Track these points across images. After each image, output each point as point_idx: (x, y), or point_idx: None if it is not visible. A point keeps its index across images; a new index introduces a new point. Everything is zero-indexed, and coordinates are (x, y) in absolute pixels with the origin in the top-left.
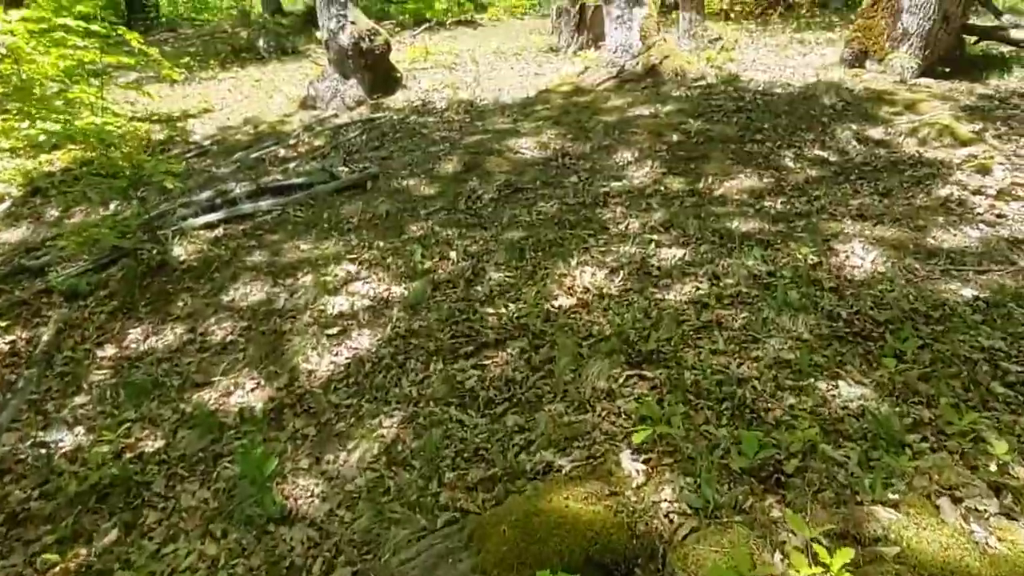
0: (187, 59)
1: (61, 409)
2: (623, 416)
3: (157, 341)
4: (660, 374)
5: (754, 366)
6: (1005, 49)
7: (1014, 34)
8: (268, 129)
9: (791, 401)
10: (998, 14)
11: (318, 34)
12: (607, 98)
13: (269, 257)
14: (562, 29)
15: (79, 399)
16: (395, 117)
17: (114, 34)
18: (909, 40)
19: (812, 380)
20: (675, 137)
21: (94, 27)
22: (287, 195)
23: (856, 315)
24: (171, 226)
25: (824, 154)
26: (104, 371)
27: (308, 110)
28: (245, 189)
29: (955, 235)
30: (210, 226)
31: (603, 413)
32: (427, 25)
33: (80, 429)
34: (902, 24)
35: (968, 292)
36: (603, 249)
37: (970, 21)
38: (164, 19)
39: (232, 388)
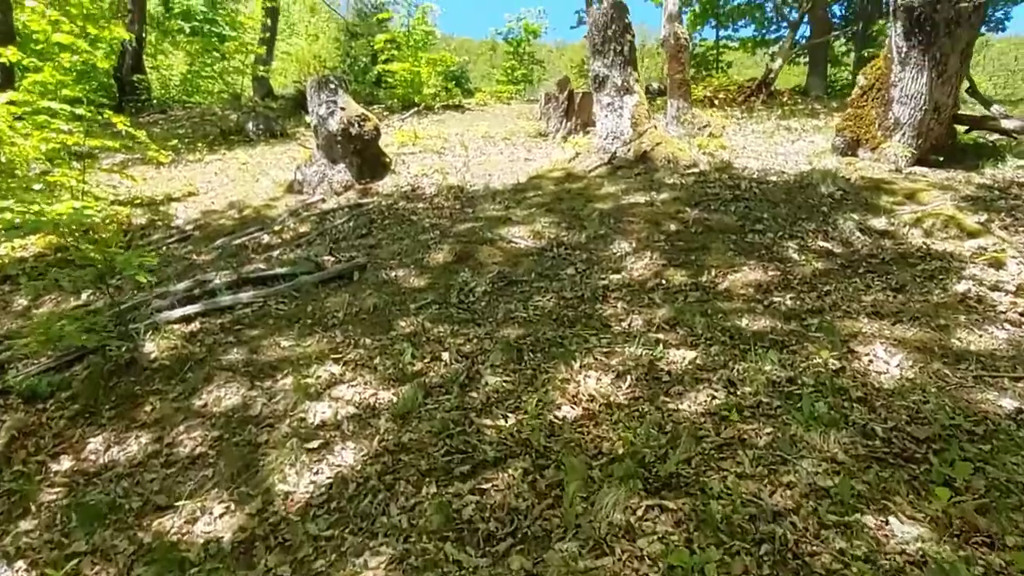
0: (175, 141)
1: (3, 536)
2: (647, 561)
3: (119, 452)
4: (684, 504)
5: (788, 495)
6: (996, 138)
7: (1005, 124)
8: (253, 214)
9: (840, 544)
10: (987, 104)
11: (307, 118)
12: (600, 185)
13: (247, 355)
14: (550, 115)
15: (25, 524)
16: (383, 203)
17: (100, 118)
18: (901, 130)
19: (858, 515)
20: (673, 226)
21: (80, 111)
22: (269, 286)
23: (893, 432)
24: (144, 319)
25: (828, 245)
26: (57, 489)
27: (295, 194)
28: (225, 279)
29: (980, 336)
30: (186, 319)
31: (624, 556)
32: (416, 109)
33: (21, 564)
34: (893, 114)
35: (1008, 403)
36: (607, 350)
37: (960, 111)
38: (156, 101)
39: (198, 513)
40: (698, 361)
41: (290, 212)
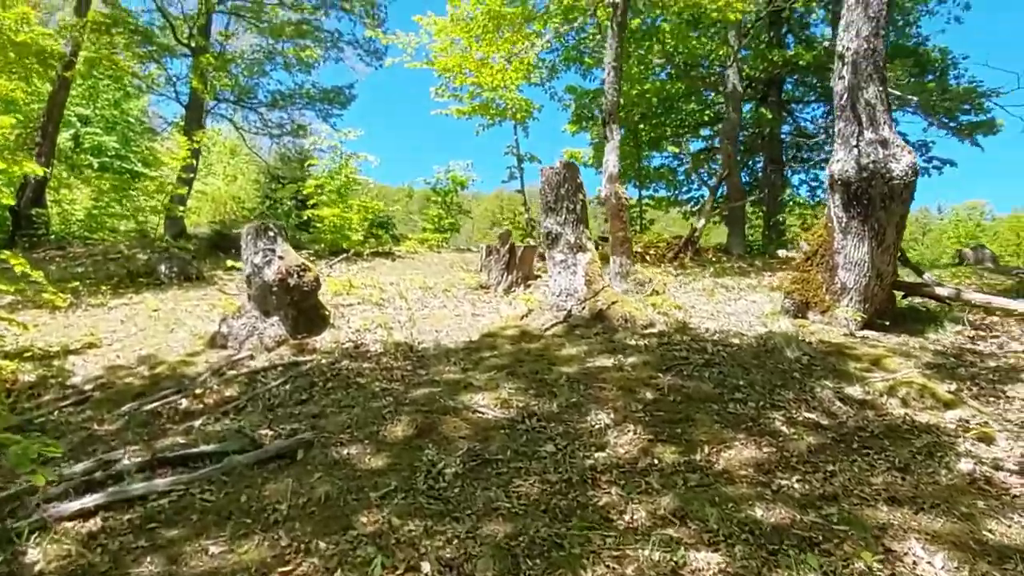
0: (75, 283)
1: None
2: None
3: None
4: None
5: None
6: (931, 304)
7: (939, 291)
8: (168, 371)
9: None
10: (920, 272)
11: (235, 262)
12: (560, 345)
13: (165, 567)
14: (491, 267)
15: None
16: (324, 362)
17: None
18: (848, 295)
19: None
20: (649, 394)
21: None
22: (192, 468)
23: None
24: (28, 516)
25: (813, 416)
26: None
27: (218, 349)
28: (136, 459)
29: (1009, 526)
30: (85, 515)
31: None
32: (344, 256)
33: None
34: (840, 279)
35: None
36: (617, 553)
37: (897, 278)
38: (53, 236)
39: None
40: (727, 568)
41: (213, 370)
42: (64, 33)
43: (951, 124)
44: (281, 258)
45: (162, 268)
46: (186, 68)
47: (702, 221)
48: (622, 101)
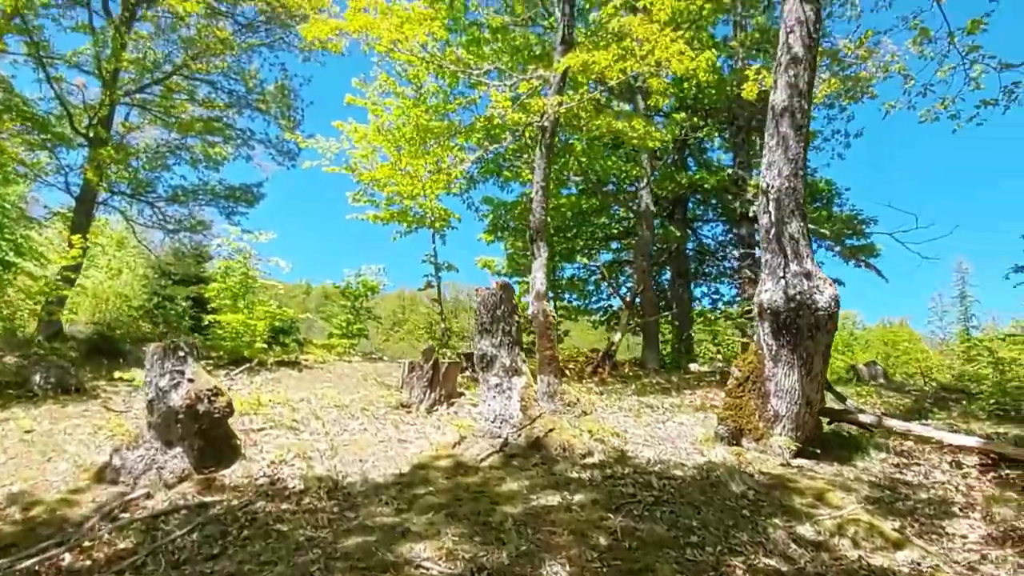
0: None
1: None
2: None
3: None
4: None
5: None
6: (853, 430)
7: (862, 418)
8: (46, 515)
9: None
10: (843, 399)
11: (127, 374)
12: (500, 479)
13: None
14: (413, 384)
15: None
16: (237, 503)
17: None
18: (781, 422)
19: None
20: (603, 540)
21: None
22: None
23: None
24: None
25: (772, 562)
26: None
27: (107, 485)
28: None
29: None
30: None
31: None
32: (247, 366)
33: None
34: (772, 407)
35: None
36: None
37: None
38: None
39: None
40: None
41: (103, 514)
42: None
43: (836, 247)
44: (191, 381)
45: (36, 378)
46: (81, 158)
47: (619, 335)
48: None
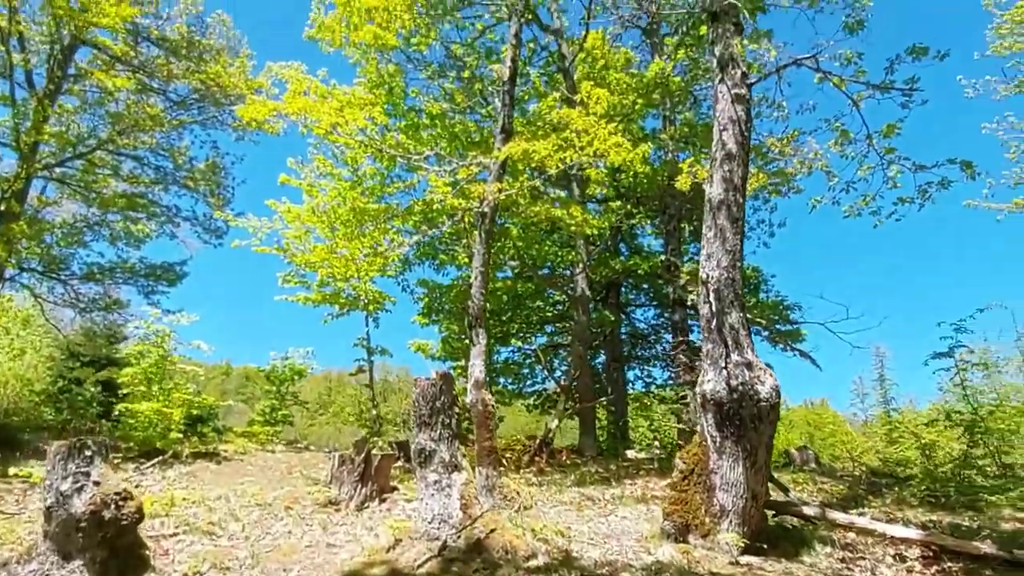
0: None
1: None
2: None
3: None
4: None
5: None
6: (796, 522)
7: (806, 511)
8: None
9: None
10: (786, 490)
11: (25, 471)
12: None
13: None
14: (343, 479)
15: None
16: None
17: None
18: (728, 517)
19: None
20: None
21: None
22: None
23: None
24: None
25: None
26: None
27: None
28: None
29: None
30: None
31: None
32: (160, 458)
33: None
34: (718, 501)
35: None
36: None
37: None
38: None
39: None
40: None
41: None
42: None
43: (765, 332)
44: (97, 484)
45: None
46: None
47: (555, 422)
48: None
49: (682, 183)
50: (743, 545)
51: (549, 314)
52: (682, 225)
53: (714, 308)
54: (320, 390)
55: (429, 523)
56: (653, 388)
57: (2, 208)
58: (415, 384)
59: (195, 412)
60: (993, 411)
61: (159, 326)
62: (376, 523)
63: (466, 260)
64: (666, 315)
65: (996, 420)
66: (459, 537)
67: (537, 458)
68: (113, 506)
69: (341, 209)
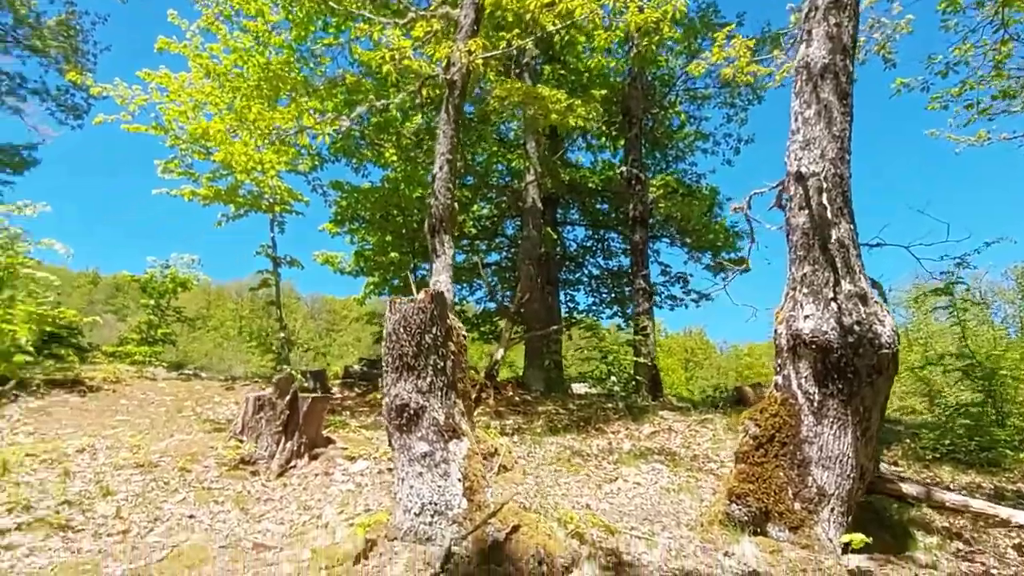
0: None
1: None
2: None
3: None
4: None
5: None
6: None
7: (906, 489)
8: None
9: None
10: (877, 462)
11: None
12: None
13: None
14: (260, 430)
15: None
16: None
17: None
18: (828, 503)
19: None
20: None
21: None
22: None
23: None
24: None
25: None
26: None
27: None
28: None
29: None
30: None
31: None
32: (0, 389)
33: None
34: (815, 481)
35: None
36: None
37: None
38: None
39: None
40: None
41: None
42: None
43: (713, 258)
44: None
45: None
46: None
47: (501, 352)
48: (403, 204)
49: (717, 60)
50: (854, 543)
51: (475, 230)
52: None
53: (817, 216)
54: (199, 304)
55: (417, 516)
56: (575, 315)
57: None
58: (390, 308)
59: (50, 329)
60: (997, 354)
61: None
62: (315, 497)
63: (393, 158)
64: (596, 235)
65: (999, 363)
66: (465, 539)
67: (483, 395)
68: None
69: (245, 76)
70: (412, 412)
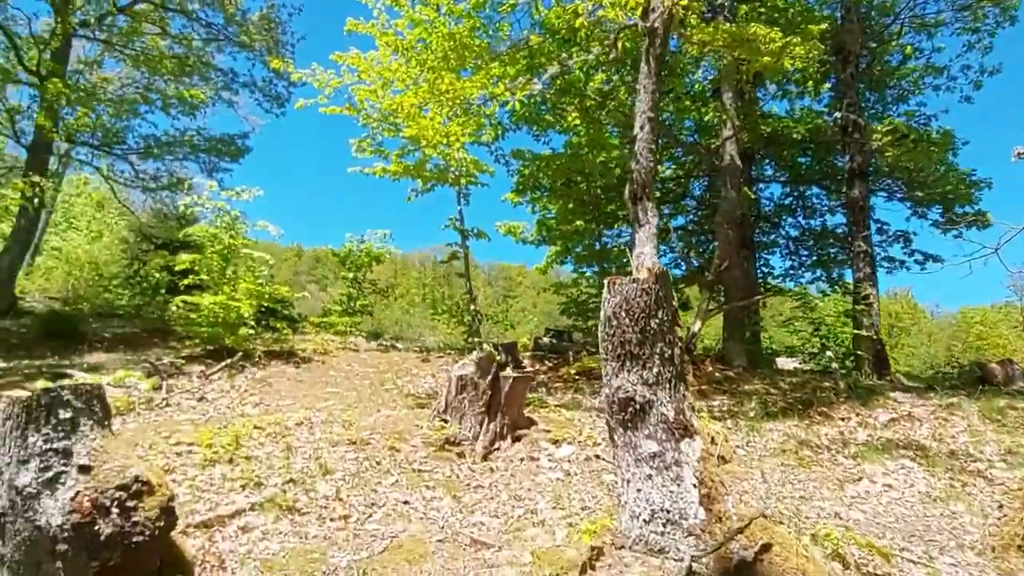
0: None
1: None
2: None
3: None
4: None
5: None
6: None
7: None
8: None
9: None
10: None
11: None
12: None
13: None
14: (464, 410)
15: None
16: None
17: None
18: None
19: None
20: None
21: None
22: None
23: None
24: None
25: None
26: None
27: None
28: None
29: None
30: None
31: None
32: (228, 361)
33: None
34: None
35: None
36: None
37: None
38: None
39: None
40: None
41: None
42: None
43: (944, 213)
44: (85, 469)
45: None
46: (32, 102)
47: (699, 324)
48: (586, 169)
49: None
50: None
51: (658, 192)
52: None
53: None
54: (388, 274)
55: (647, 524)
56: (770, 280)
57: (42, 71)
58: (609, 289)
59: (266, 304)
60: None
61: (220, 203)
62: (524, 485)
63: (576, 121)
64: (795, 192)
65: None
66: (705, 555)
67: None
68: (116, 509)
69: (430, 49)
70: (638, 407)
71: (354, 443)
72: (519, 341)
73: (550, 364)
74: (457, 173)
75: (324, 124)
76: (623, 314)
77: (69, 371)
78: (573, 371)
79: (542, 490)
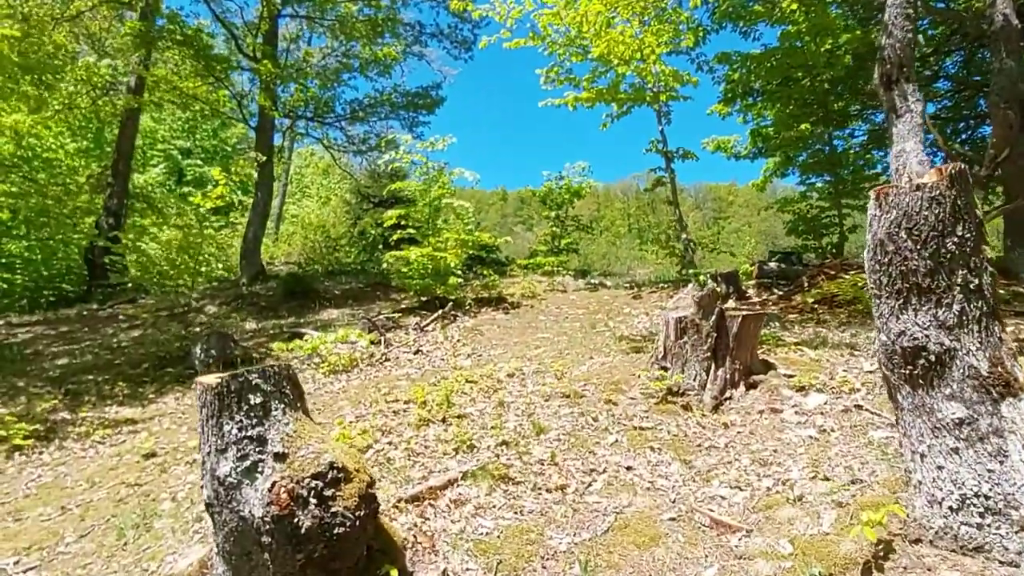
0: (53, 399)
1: None
2: None
3: None
4: None
5: None
6: None
7: None
8: None
9: None
10: None
11: (311, 337)
12: None
13: None
14: (686, 356)
15: None
16: None
17: None
18: None
19: None
20: None
21: None
22: None
23: None
24: None
25: None
26: None
27: None
28: None
29: None
30: None
31: None
32: (440, 312)
33: None
34: None
35: None
36: None
37: None
38: (129, 285)
39: None
40: None
41: None
42: (123, 56)
43: None
44: (281, 457)
45: (196, 350)
46: (252, 85)
47: None
48: (809, 62)
49: None
50: None
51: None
52: None
53: None
54: (591, 208)
55: (954, 512)
56: None
57: (257, 54)
58: (878, 203)
59: (471, 252)
60: None
61: (419, 155)
62: (767, 446)
63: (792, 6)
64: None
65: None
66: None
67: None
68: (315, 498)
69: None
70: (933, 357)
71: (567, 396)
72: (740, 268)
73: (780, 293)
74: (655, 89)
75: (510, 66)
76: (903, 235)
77: (303, 330)
78: (811, 299)
79: (792, 452)
